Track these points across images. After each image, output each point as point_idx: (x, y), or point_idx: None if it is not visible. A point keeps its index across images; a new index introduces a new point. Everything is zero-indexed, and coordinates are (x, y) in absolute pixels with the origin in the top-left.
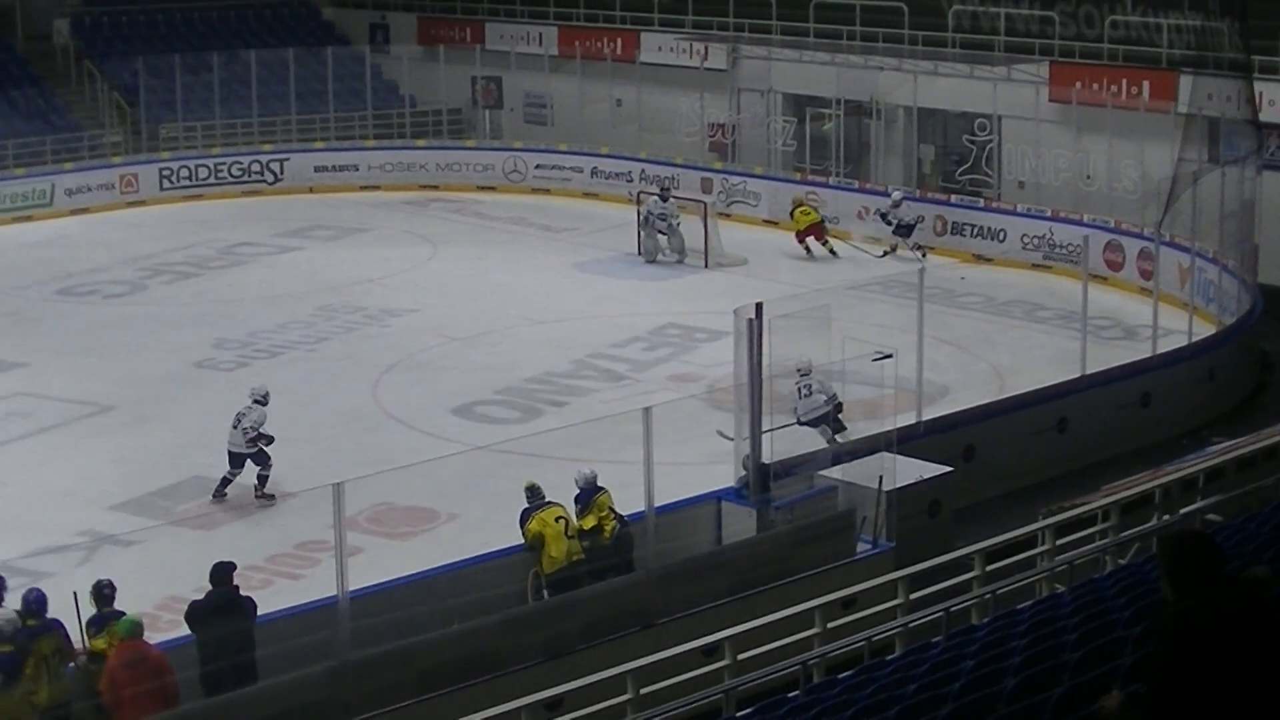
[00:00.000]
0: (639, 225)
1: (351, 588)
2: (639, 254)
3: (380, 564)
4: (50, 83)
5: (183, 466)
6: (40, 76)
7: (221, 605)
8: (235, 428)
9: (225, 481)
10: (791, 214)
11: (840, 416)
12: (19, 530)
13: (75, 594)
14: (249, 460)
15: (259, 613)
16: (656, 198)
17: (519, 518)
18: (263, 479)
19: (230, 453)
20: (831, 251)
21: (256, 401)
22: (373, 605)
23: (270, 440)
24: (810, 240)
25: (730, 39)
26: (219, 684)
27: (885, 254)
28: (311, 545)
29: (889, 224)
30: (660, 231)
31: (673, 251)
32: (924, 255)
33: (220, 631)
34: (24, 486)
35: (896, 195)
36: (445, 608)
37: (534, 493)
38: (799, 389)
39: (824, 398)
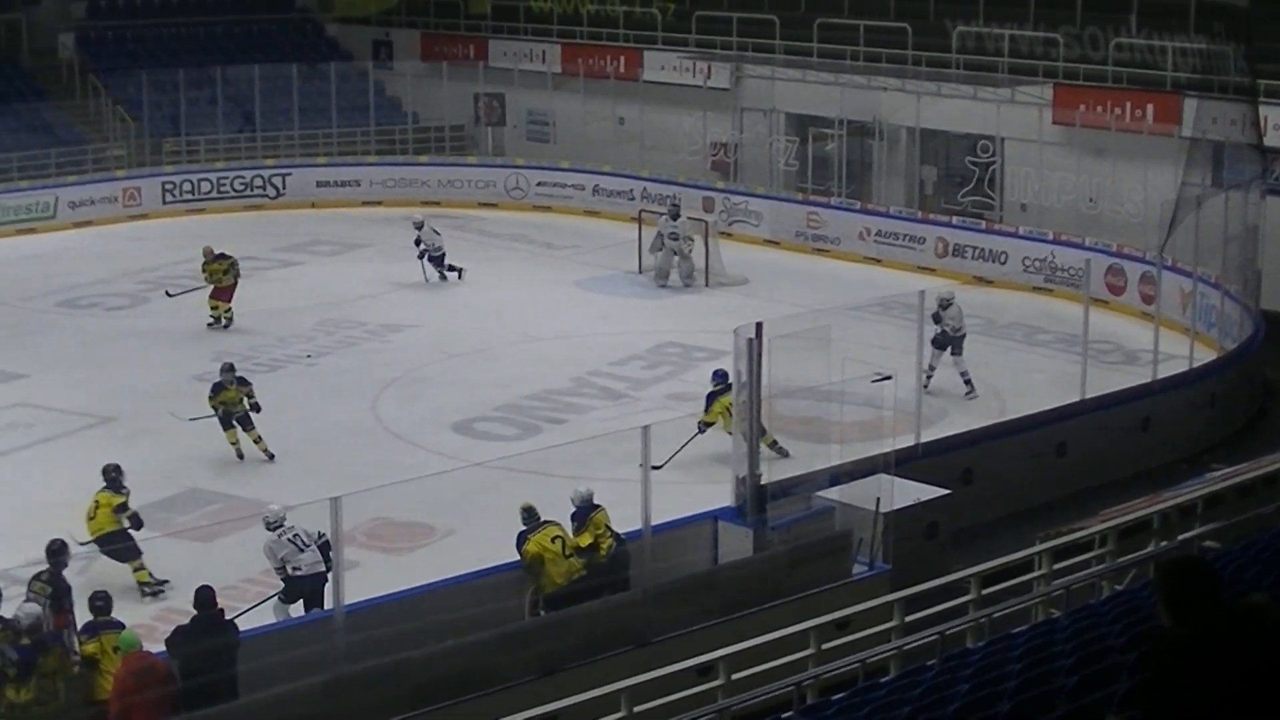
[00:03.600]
0: (640, 244)
1: (347, 601)
2: (639, 272)
3: (376, 578)
4: (55, 96)
5: (181, 479)
6: (45, 90)
7: (206, 630)
8: (437, 235)
9: (454, 270)
10: (204, 267)
11: None
12: (18, 540)
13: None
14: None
15: (253, 625)
16: (667, 216)
17: (516, 540)
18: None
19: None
20: (226, 322)
21: (417, 225)
22: (368, 619)
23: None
24: (221, 303)
25: (733, 58)
26: (199, 701)
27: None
28: None
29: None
30: (674, 252)
31: (681, 277)
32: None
33: (204, 652)
34: (24, 496)
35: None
36: (440, 623)
37: (530, 514)
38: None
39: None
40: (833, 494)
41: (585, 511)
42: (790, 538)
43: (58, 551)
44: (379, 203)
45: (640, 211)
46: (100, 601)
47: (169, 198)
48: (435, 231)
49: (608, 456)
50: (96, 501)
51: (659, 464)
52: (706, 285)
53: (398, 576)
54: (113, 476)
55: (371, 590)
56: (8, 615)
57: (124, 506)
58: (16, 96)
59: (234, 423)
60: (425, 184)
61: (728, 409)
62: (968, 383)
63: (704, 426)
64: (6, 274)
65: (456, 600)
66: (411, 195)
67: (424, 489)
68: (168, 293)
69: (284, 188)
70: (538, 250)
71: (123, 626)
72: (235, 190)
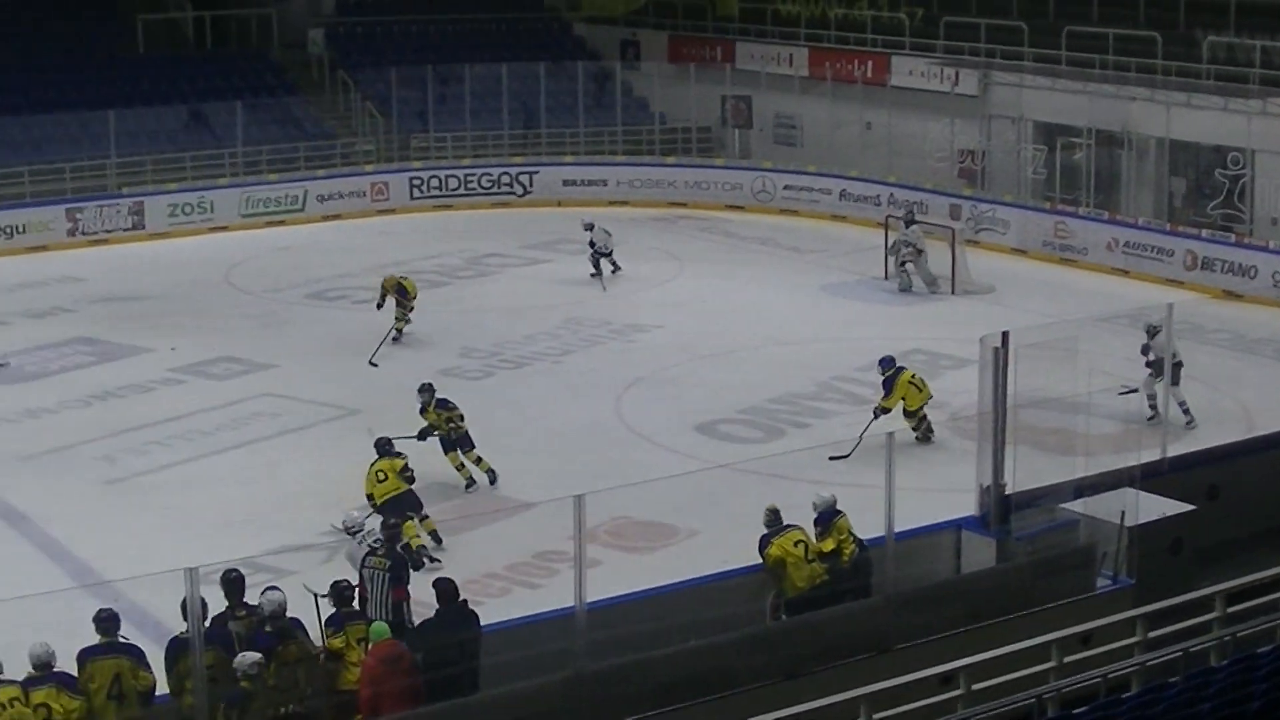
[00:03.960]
0: (886, 250)
1: (589, 599)
2: (885, 278)
3: (618, 577)
4: (304, 91)
5: (425, 472)
6: (295, 85)
7: (449, 622)
8: (608, 235)
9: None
10: (388, 295)
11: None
12: (263, 528)
13: (316, 595)
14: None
15: (494, 620)
16: (903, 222)
17: (759, 543)
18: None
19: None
20: (397, 334)
21: (587, 226)
22: (610, 618)
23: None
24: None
25: (981, 65)
26: (441, 693)
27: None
28: (551, 555)
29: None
30: (906, 259)
31: (925, 284)
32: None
33: (447, 644)
34: (269, 485)
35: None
36: (682, 624)
37: (774, 517)
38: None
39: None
40: (1077, 507)
41: (828, 516)
42: (1034, 549)
43: (393, 527)
44: (625, 202)
45: (887, 217)
46: (348, 593)
47: (416, 193)
48: (606, 232)
49: (851, 462)
50: (380, 469)
51: (844, 454)
52: (953, 293)
53: (639, 576)
54: (386, 448)
55: (613, 589)
56: (253, 602)
57: (407, 467)
58: (267, 91)
59: (454, 445)
60: (672, 185)
61: (909, 382)
62: (1186, 412)
63: (880, 412)
64: (256, 265)
65: (698, 601)
66: (658, 196)
67: (667, 489)
68: (371, 363)
69: (531, 186)
70: (784, 254)
71: (368, 619)
72: (482, 187)
